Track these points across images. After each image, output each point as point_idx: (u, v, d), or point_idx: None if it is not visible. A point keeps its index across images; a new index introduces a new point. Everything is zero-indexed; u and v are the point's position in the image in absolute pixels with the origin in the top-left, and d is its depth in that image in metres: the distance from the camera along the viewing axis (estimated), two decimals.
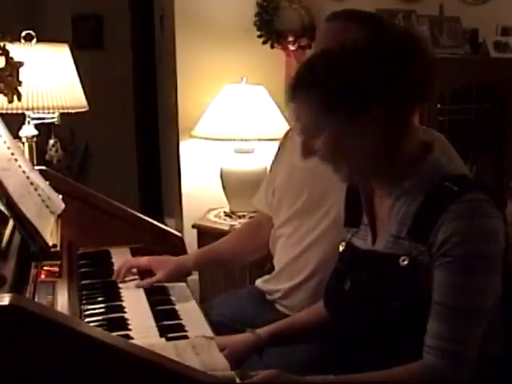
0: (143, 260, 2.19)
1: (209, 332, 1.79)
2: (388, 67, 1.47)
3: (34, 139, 3.01)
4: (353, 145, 1.50)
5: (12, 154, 1.82)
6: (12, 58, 2.30)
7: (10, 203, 1.57)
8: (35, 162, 2.98)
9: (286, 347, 1.83)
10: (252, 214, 3.36)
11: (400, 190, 1.53)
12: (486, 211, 1.44)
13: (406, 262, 1.48)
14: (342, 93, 1.46)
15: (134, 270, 2.17)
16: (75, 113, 3.07)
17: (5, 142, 1.84)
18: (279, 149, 2.28)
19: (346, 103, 1.47)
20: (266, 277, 2.21)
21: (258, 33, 3.88)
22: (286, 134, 2.28)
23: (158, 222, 2.55)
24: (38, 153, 3.13)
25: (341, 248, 1.72)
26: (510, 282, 1.56)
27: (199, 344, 1.57)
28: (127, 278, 2.13)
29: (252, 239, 2.29)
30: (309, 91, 1.50)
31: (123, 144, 5.69)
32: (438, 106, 3.90)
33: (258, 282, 2.25)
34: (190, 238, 3.47)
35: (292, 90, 1.54)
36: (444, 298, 1.42)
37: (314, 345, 1.87)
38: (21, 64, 2.34)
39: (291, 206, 2.12)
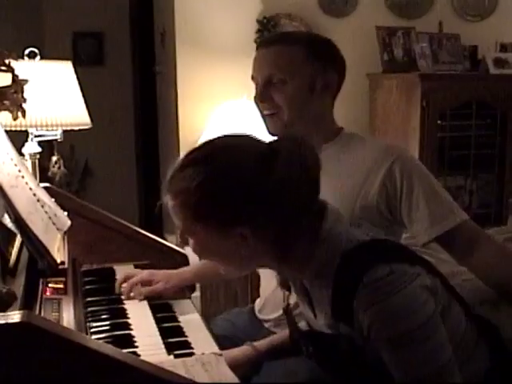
0: (145, 274, 2.20)
1: (215, 348, 1.79)
2: (261, 187, 1.40)
3: (37, 156, 3.01)
4: (223, 253, 1.49)
5: (19, 171, 1.82)
6: (17, 76, 2.31)
7: (19, 220, 1.57)
8: (38, 178, 2.98)
9: (285, 365, 1.84)
10: None
11: (307, 277, 1.51)
12: (391, 289, 1.39)
13: (344, 346, 1.48)
14: (205, 207, 1.42)
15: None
16: (76, 130, 3.07)
17: (12, 159, 1.84)
18: None
19: (211, 219, 1.43)
20: (258, 304, 2.21)
21: None
22: None
23: (158, 238, 2.55)
24: (40, 170, 3.14)
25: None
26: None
27: (208, 361, 1.57)
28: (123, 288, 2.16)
29: None
30: (177, 198, 1.47)
31: (123, 160, 5.69)
32: (438, 122, 3.92)
33: (256, 306, 2.24)
34: (190, 254, 3.46)
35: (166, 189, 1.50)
36: (400, 374, 1.42)
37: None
38: (26, 81, 2.35)
39: None
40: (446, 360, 1.41)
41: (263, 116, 2.01)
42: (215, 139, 1.52)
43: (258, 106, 2.01)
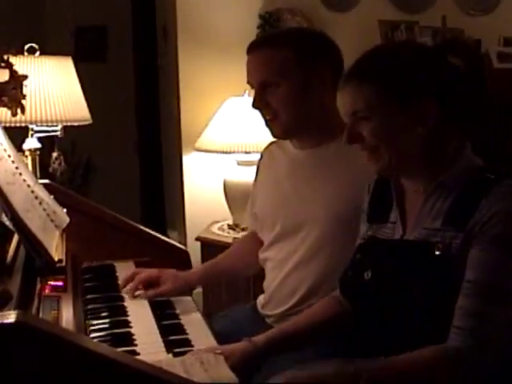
0: (153, 271, 2.17)
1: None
2: (444, 71, 1.54)
3: (37, 152, 3.00)
4: (401, 134, 1.53)
5: (16, 167, 1.81)
6: (16, 71, 2.29)
7: (16, 218, 1.56)
8: (38, 175, 2.97)
9: (295, 354, 1.82)
10: None
11: (434, 184, 1.55)
12: None
13: (439, 251, 1.48)
14: (398, 82, 1.52)
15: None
16: (77, 125, 3.06)
17: (9, 156, 1.83)
18: (257, 169, 2.29)
19: (400, 93, 1.51)
20: (262, 299, 2.19)
21: None
22: (262, 155, 2.29)
23: (161, 234, 2.53)
24: (41, 166, 3.12)
25: (359, 241, 1.73)
26: None
27: (207, 360, 1.55)
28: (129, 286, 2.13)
29: (251, 252, 2.28)
30: (368, 76, 1.54)
31: (125, 156, 5.67)
32: None
33: (258, 303, 2.23)
34: (194, 250, 3.45)
35: (350, 74, 1.58)
36: (476, 275, 1.43)
37: (322, 348, 1.84)
38: (25, 77, 2.33)
39: (270, 231, 2.13)
40: None
41: (265, 121, 2.02)
42: None
43: (259, 111, 2.01)
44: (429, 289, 1.47)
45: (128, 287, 2.13)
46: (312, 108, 1.94)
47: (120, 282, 2.17)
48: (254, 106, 2.01)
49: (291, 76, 1.93)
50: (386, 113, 1.52)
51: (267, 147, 2.25)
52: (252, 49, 2.01)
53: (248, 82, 2.02)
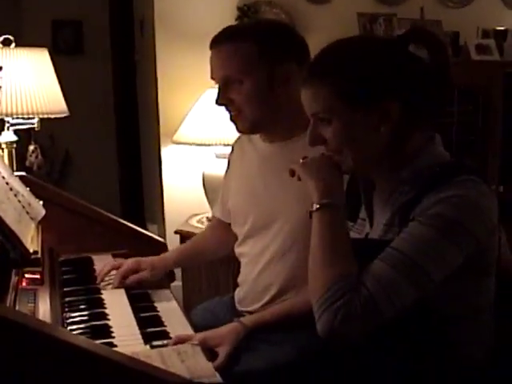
0: (131, 263, 2.17)
1: None
2: (405, 64, 1.49)
3: (14, 145, 2.98)
4: (363, 136, 1.49)
5: None
6: None
7: None
8: (15, 168, 2.94)
9: (273, 345, 1.83)
10: None
11: (397, 180, 1.52)
12: (476, 187, 1.44)
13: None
14: (355, 82, 1.46)
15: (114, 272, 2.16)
16: (55, 118, 3.04)
17: None
18: (228, 162, 2.26)
19: (359, 93, 1.46)
20: (238, 294, 2.18)
21: None
22: (233, 148, 2.25)
23: (140, 227, 2.52)
24: (18, 159, 3.10)
25: None
26: (502, 287, 1.56)
27: (184, 350, 1.55)
28: (107, 278, 2.14)
29: (223, 233, 2.27)
30: (324, 77, 1.49)
31: (104, 150, 5.65)
32: None
33: (236, 296, 2.21)
34: (173, 243, 3.43)
35: (307, 75, 1.53)
36: (401, 244, 1.41)
37: (300, 339, 1.84)
38: None
39: (242, 226, 2.10)
40: (428, 273, 1.39)
41: (230, 116, 1.98)
42: None
43: (224, 107, 1.98)
44: None
45: (105, 282, 2.13)
46: (278, 102, 1.90)
47: (97, 275, 2.17)
48: (218, 102, 1.95)
49: (255, 72, 1.87)
50: (347, 116, 1.48)
51: (237, 139, 2.22)
52: (214, 43, 1.94)
53: (211, 78, 1.99)
